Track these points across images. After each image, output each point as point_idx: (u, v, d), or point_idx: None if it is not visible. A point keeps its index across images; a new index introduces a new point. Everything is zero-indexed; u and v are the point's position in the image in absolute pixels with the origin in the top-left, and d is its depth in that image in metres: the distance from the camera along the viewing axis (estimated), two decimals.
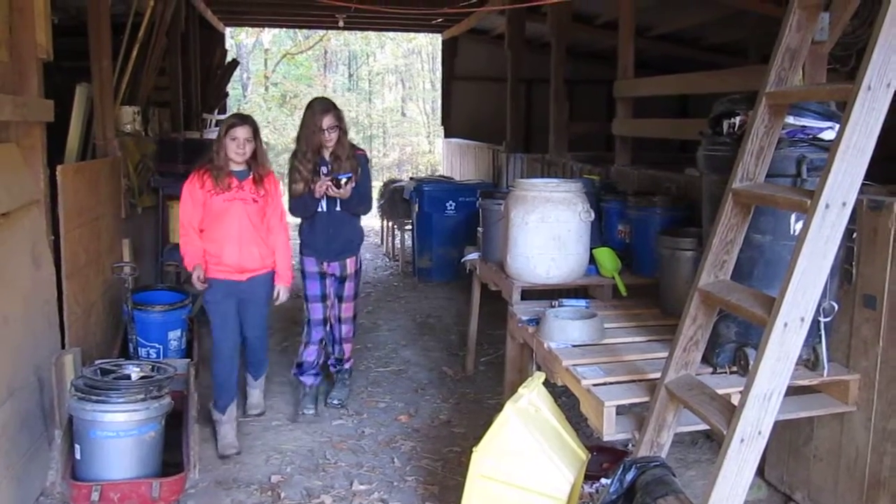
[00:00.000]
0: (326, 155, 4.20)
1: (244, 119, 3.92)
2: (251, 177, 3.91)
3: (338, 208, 4.26)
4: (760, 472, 3.46)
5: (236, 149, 3.84)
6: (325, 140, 4.12)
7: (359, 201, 4.28)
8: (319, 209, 4.24)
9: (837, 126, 2.40)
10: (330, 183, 4.09)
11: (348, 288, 4.44)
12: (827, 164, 2.21)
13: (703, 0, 6.94)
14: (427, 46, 23.27)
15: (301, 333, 4.60)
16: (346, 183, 4.09)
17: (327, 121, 4.12)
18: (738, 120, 2.87)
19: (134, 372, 3.27)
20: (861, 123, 2.18)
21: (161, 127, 6.60)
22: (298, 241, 4.43)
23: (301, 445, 3.99)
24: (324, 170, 4.18)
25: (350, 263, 4.40)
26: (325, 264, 4.34)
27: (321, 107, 4.17)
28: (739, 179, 2.64)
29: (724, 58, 8.71)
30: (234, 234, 3.87)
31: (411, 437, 4.13)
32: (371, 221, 11.89)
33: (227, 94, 10.42)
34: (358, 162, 4.24)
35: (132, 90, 5.73)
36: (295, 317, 6.41)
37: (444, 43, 12.35)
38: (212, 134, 8.78)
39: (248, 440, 4.02)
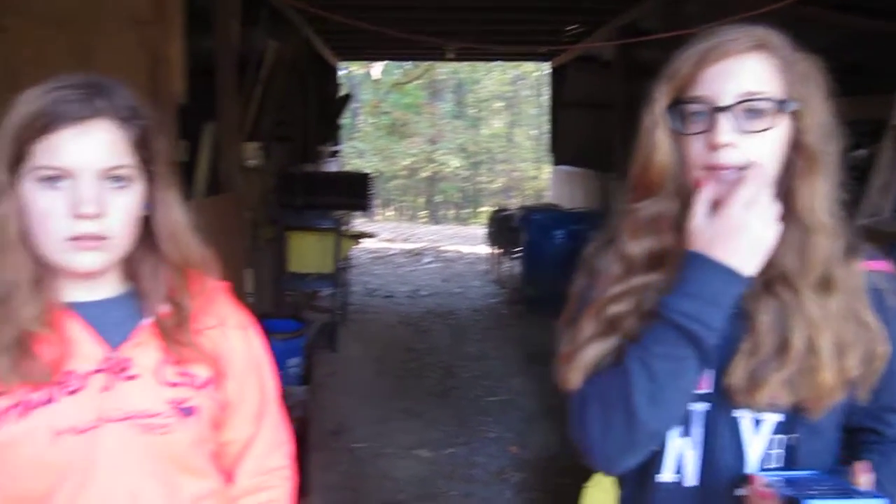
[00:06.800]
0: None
1: (93, 92, 1.03)
2: (154, 319, 1.13)
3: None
4: None
5: (72, 208, 1.01)
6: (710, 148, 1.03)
7: None
8: None
9: None
10: None
11: None
12: None
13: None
14: (533, 73, 23.37)
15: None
16: None
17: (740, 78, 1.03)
18: (863, 153, 2.78)
19: None
20: None
21: (282, 161, 6.89)
22: None
23: (413, 474, 4.06)
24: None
25: None
26: None
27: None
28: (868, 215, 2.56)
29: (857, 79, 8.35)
30: None
31: (522, 469, 4.13)
32: (480, 249, 12.01)
33: (340, 127, 10.78)
34: None
35: (255, 126, 6.02)
36: (407, 341, 6.54)
37: (552, 71, 12.39)
38: (329, 165, 9.07)
39: (361, 466, 4.12)
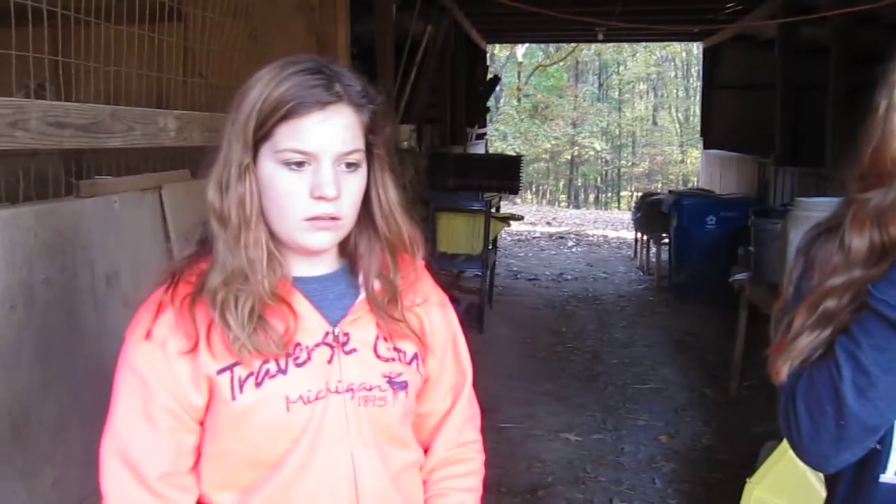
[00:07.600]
0: None
1: (331, 77, 1.04)
2: (366, 295, 1.15)
3: None
4: None
5: (314, 190, 1.04)
6: None
7: None
8: None
9: None
10: None
11: None
12: None
13: None
14: (680, 53, 22.61)
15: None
16: None
17: None
18: None
19: None
20: None
21: (431, 142, 7.02)
22: None
23: (561, 457, 4.06)
24: None
25: None
26: None
27: None
28: None
29: None
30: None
31: (672, 459, 4.05)
32: (623, 234, 11.81)
33: (488, 109, 10.84)
34: None
35: (408, 109, 6.17)
36: (552, 325, 6.54)
37: (704, 51, 11.96)
38: (475, 147, 9.16)
39: (510, 447, 4.16)
